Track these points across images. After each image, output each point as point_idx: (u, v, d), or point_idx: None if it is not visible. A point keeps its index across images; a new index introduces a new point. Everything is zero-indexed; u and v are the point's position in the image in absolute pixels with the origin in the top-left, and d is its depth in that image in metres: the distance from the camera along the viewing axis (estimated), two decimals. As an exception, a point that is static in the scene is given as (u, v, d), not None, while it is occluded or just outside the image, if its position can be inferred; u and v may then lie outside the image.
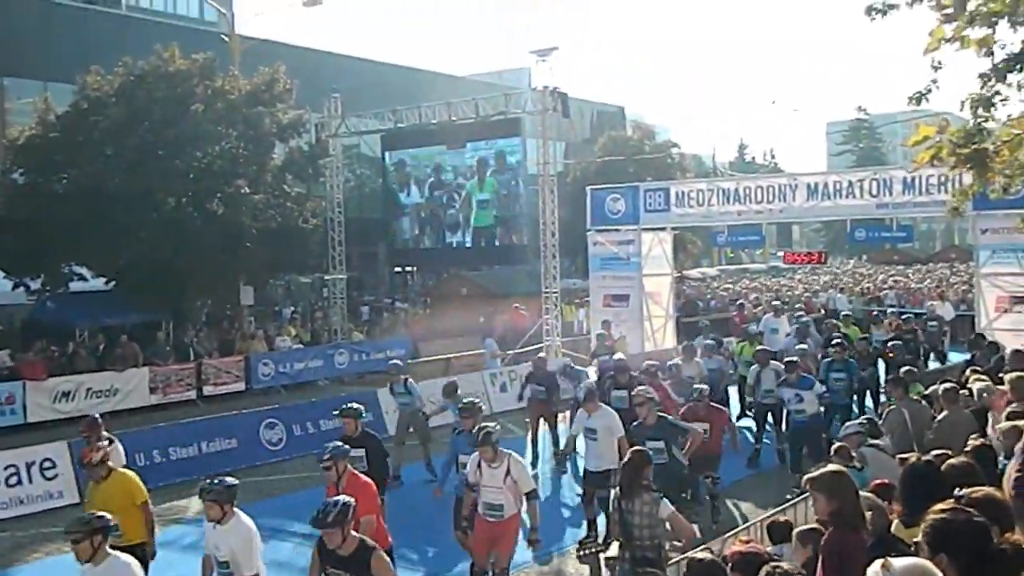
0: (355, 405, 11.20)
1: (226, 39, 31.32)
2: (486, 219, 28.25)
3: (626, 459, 7.91)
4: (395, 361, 17.33)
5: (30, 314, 25.53)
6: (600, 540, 10.55)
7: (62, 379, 21.13)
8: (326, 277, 32.06)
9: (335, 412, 11.38)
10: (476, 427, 9.88)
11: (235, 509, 7.50)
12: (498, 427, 9.43)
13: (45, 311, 24.98)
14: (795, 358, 14.65)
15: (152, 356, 23.59)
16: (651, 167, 42.76)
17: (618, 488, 7.83)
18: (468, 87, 40.84)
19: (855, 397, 16.78)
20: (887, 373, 16.11)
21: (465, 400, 11.18)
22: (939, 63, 7.95)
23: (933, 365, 22.10)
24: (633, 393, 11.54)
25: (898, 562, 3.16)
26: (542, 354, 20.38)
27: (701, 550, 7.34)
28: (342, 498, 6.76)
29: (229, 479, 7.66)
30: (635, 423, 10.74)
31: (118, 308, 24.91)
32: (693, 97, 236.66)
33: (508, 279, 32.95)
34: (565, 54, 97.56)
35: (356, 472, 8.67)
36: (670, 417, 10.94)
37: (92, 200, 23.04)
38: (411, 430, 15.55)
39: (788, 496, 11.86)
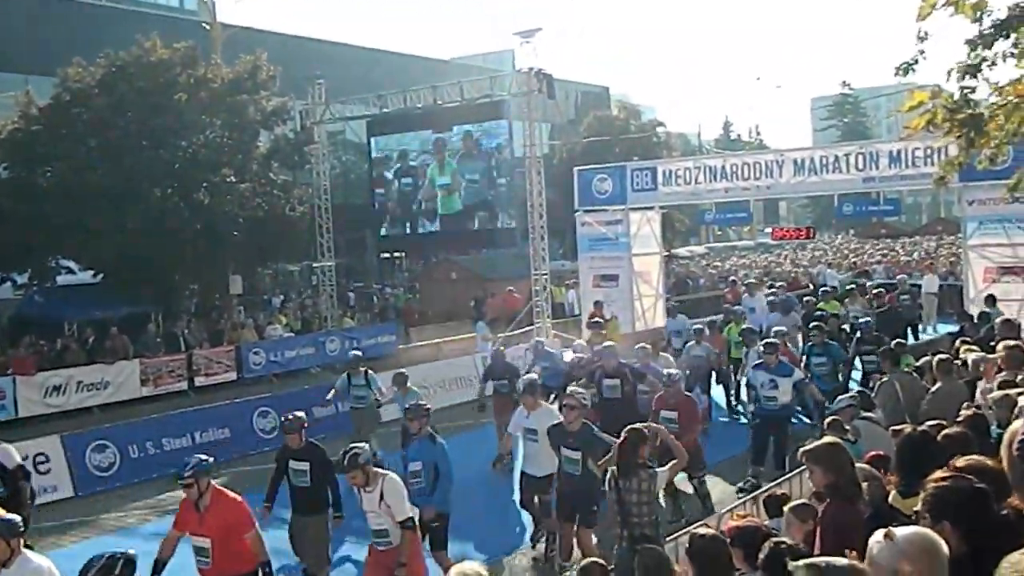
0: (298, 415, 10.11)
1: (207, 27, 31.15)
2: (452, 204, 28.33)
3: (621, 439, 7.89)
4: (356, 352, 16.21)
5: (17, 308, 25.43)
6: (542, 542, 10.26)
7: (52, 373, 21.03)
8: (314, 265, 32.00)
9: (283, 422, 10.17)
10: (422, 430, 9.46)
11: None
12: (367, 446, 8.56)
13: (33, 305, 24.88)
14: (775, 339, 13.65)
15: (142, 348, 23.50)
16: (637, 147, 42.74)
17: (615, 467, 7.83)
18: (453, 70, 40.75)
19: (840, 379, 15.33)
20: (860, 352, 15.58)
21: (410, 404, 10.34)
22: (926, 33, 7.92)
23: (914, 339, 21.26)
24: (565, 399, 10.12)
25: (900, 531, 3.16)
26: (539, 338, 19.81)
27: (700, 525, 7.39)
28: (107, 553, 6.26)
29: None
30: (555, 424, 9.65)
31: (107, 300, 24.80)
32: (677, 76, 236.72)
33: (497, 262, 32.95)
34: (549, 37, 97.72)
35: (221, 489, 7.73)
36: (595, 429, 9.57)
37: (77, 193, 22.92)
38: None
39: (743, 486, 11.72)
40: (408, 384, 13.52)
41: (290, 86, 28.38)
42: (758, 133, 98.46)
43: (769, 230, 50.09)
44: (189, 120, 24.85)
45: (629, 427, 8.07)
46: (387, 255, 41.46)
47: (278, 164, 28.19)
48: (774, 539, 4.53)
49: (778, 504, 7.11)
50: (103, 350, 22.80)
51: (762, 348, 13.13)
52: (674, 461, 8.49)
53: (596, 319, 18.99)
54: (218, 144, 26.20)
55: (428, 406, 10.25)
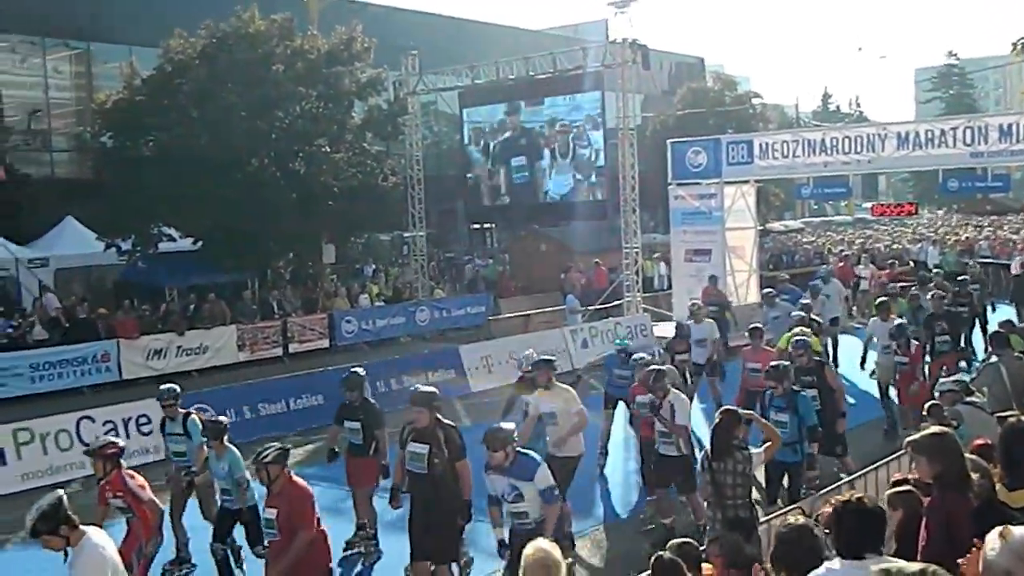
0: (358, 371, 10.05)
1: (304, -1, 31.50)
2: (563, 184, 28.33)
3: (716, 421, 7.77)
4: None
5: (122, 274, 26.25)
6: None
7: (154, 337, 21.72)
8: (405, 235, 32.25)
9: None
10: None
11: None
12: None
13: (136, 271, 25.66)
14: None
15: (238, 314, 24.09)
16: (731, 119, 42.04)
17: (709, 448, 7.73)
18: (545, 41, 40.42)
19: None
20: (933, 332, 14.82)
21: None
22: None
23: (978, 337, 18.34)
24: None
25: (1018, 531, 3.02)
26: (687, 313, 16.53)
27: (791, 509, 7.24)
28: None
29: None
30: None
31: (205, 267, 25.44)
32: (775, 46, 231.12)
33: (587, 235, 32.74)
34: (643, 6, 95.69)
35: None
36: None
37: (178, 162, 23.47)
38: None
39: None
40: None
41: (384, 57, 28.53)
42: (858, 105, 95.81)
43: (867, 205, 48.75)
44: (286, 91, 25.18)
45: (724, 408, 7.94)
46: (477, 226, 41.57)
47: (372, 135, 28.43)
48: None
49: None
50: (202, 316, 23.44)
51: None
52: (769, 443, 8.32)
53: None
54: (314, 115, 26.52)
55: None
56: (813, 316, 15.69)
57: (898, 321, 14.14)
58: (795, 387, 10.06)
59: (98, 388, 20.06)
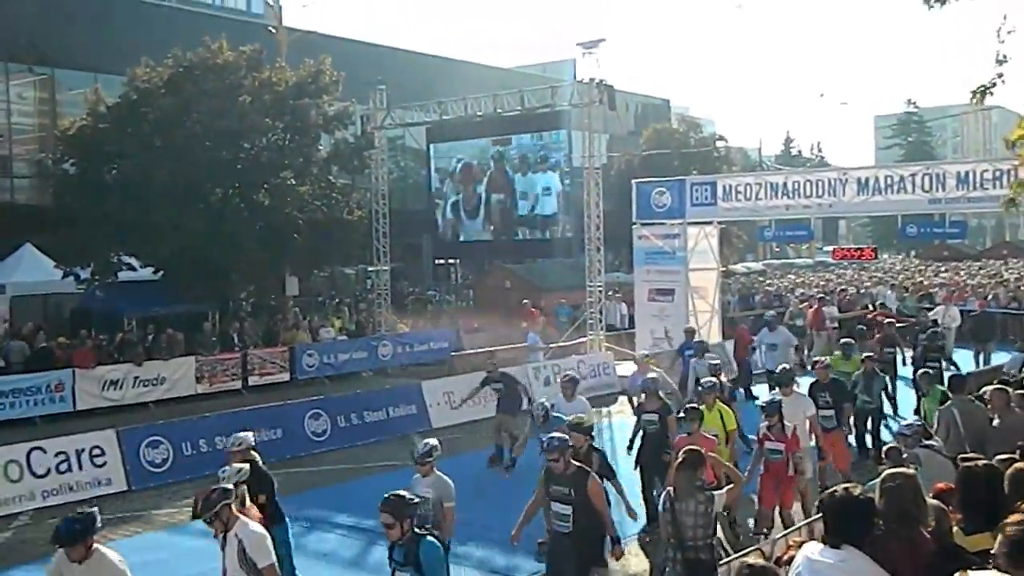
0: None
1: (273, 31, 31.53)
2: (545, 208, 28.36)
3: (680, 459, 7.75)
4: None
5: (79, 303, 25.88)
6: None
7: (110, 367, 21.40)
8: (370, 269, 32.14)
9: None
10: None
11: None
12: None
13: (94, 300, 25.31)
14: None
15: (198, 346, 23.79)
16: (696, 160, 42.43)
17: (671, 488, 7.70)
18: (514, 79, 40.72)
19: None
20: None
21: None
22: (1005, 57, 7.71)
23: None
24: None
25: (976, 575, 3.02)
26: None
27: (752, 551, 7.22)
28: None
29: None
30: None
31: (165, 298, 25.17)
32: (739, 90, 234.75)
33: (551, 272, 32.84)
34: (611, 48, 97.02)
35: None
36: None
37: (141, 191, 23.28)
38: None
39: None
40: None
41: (352, 91, 28.58)
42: (820, 150, 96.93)
43: (828, 248, 49.40)
44: (252, 122, 25.10)
45: (687, 448, 7.92)
46: (441, 262, 41.55)
47: (338, 168, 28.37)
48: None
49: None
50: (160, 347, 23.13)
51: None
52: (731, 485, 8.31)
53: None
54: (280, 146, 26.44)
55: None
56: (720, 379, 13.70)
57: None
58: None
59: (51, 418, 19.68)
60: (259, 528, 7.09)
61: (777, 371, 12.85)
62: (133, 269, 25.45)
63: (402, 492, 6.94)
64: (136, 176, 23.69)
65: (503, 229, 29.68)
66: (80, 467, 14.34)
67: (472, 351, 26.21)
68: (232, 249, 24.37)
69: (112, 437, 14.90)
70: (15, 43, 29.97)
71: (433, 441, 8.79)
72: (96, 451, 14.55)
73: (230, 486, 7.19)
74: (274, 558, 6.98)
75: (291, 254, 26.53)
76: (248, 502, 7.69)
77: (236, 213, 25.02)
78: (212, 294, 25.98)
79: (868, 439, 15.06)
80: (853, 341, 17.07)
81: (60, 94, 32.37)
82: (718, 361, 15.71)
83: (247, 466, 8.16)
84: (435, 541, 6.83)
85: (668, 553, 7.69)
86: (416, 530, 6.77)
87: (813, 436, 11.64)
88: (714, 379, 12.43)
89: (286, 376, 24.17)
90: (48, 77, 32.14)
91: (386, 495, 6.80)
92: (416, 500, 6.97)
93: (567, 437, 8.42)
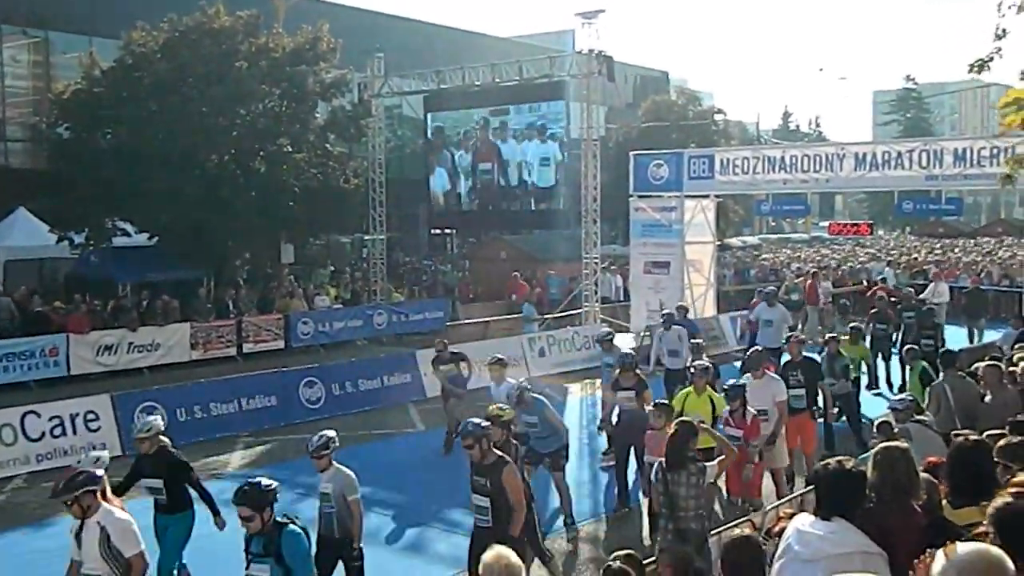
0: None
1: (270, -4, 31.25)
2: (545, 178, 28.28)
3: (672, 432, 7.79)
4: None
5: (73, 268, 25.83)
6: None
7: (105, 332, 21.39)
8: (366, 237, 32.09)
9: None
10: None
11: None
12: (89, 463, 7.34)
13: (88, 265, 25.25)
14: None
15: (193, 312, 23.78)
16: (694, 133, 42.34)
17: (662, 460, 7.74)
18: (512, 49, 40.46)
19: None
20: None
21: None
22: (1004, 31, 7.67)
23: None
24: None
25: (962, 548, 3.05)
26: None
27: (743, 522, 7.28)
28: None
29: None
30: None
31: (160, 264, 25.11)
32: (738, 63, 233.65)
33: (548, 243, 32.83)
34: (611, 19, 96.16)
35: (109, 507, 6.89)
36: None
37: (135, 156, 23.15)
38: None
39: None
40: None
41: (350, 58, 28.38)
42: (818, 125, 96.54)
43: (824, 223, 49.39)
44: (249, 88, 24.93)
45: (680, 420, 7.96)
46: (437, 231, 41.45)
47: (335, 136, 28.25)
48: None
49: None
50: (155, 312, 23.12)
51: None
52: (722, 456, 8.36)
53: None
54: (276, 113, 26.30)
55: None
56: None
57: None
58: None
59: (45, 383, 19.71)
60: (125, 515, 6.81)
61: (747, 355, 12.43)
62: (128, 235, 25.37)
63: (258, 480, 6.41)
64: (131, 141, 23.55)
65: (499, 200, 29.67)
66: (74, 431, 14.38)
67: (467, 321, 26.28)
68: (228, 216, 24.28)
69: (107, 402, 14.94)
70: (8, 5, 29.69)
71: (330, 432, 8.14)
72: (91, 416, 14.60)
73: (100, 472, 6.88)
74: (143, 546, 6.68)
75: (287, 222, 26.47)
76: (110, 492, 7.27)
77: (232, 180, 24.90)
78: (207, 261, 25.93)
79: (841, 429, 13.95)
80: (861, 327, 16.81)
81: (54, 57, 32.05)
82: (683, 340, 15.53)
83: (106, 454, 8.10)
84: (299, 531, 6.37)
85: (660, 523, 7.75)
86: (278, 519, 6.31)
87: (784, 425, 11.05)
88: (707, 363, 11.92)
89: (281, 344, 24.18)
90: (42, 40, 31.81)
91: (241, 486, 6.33)
92: (273, 487, 6.38)
93: (487, 423, 8.03)
